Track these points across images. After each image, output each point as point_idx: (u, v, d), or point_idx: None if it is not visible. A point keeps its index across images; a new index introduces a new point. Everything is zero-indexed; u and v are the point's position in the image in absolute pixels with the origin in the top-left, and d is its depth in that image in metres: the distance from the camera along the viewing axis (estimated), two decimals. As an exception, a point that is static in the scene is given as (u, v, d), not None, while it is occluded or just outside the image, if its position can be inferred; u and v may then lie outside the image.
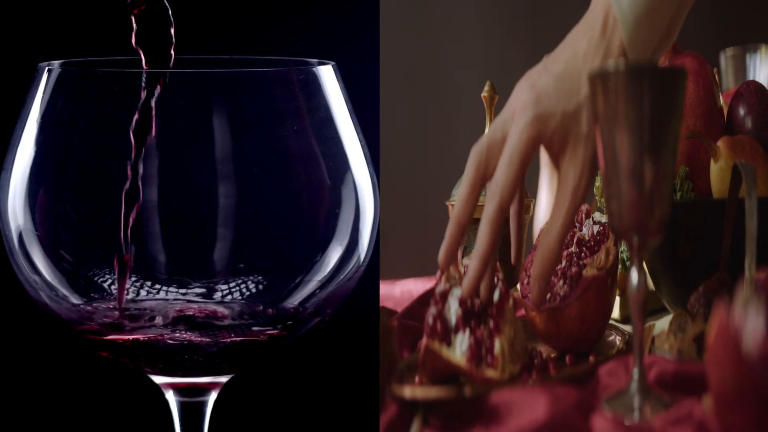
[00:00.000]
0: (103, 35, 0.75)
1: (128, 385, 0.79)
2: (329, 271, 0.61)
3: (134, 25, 0.59)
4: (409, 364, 0.77)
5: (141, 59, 0.60)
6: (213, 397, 0.62)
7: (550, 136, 0.71)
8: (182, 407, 0.62)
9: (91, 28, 0.77)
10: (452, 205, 1.05)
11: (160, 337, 0.59)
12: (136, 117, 0.57)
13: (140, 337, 0.59)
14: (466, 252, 1.04)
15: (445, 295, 0.73)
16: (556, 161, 0.73)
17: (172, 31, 0.59)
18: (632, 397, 0.65)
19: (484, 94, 1.06)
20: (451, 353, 0.70)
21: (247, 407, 0.83)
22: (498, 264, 0.77)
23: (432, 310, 0.72)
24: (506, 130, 0.73)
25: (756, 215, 0.74)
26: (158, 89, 0.57)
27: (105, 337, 0.60)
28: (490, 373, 0.69)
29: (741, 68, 1.14)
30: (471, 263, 0.72)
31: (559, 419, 0.62)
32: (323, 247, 0.60)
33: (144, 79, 0.58)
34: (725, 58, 1.17)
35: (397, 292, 0.98)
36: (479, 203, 1.05)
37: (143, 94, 0.57)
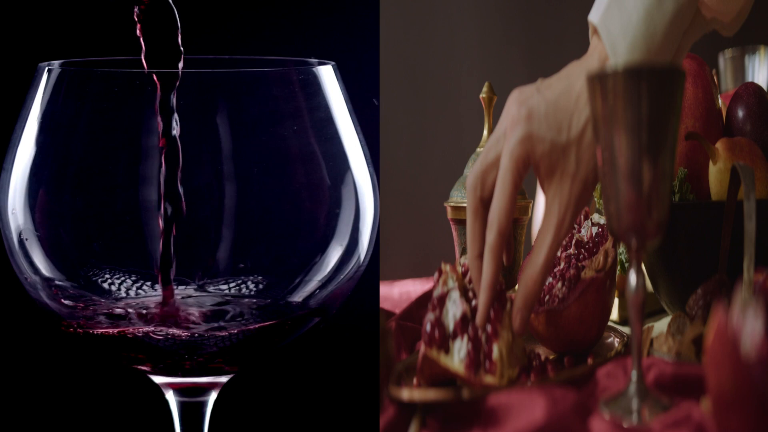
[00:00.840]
0: (103, 35, 0.75)
1: (128, 385, 0.79)
2: (329, 271, 0.61)
3: (137, 23, 0.58)
4: (407, 366, 0.77)
5: (142, 51, 0.59)
6: (213, 397, 0.62)
7: (537, 159, 0.71)
8: (182, 407, 0.62)
9: (91, 28, 0.77)
10: (450, 207, 1.05)
11: (158, 332, 0.59)
12: (162, 143, 0.57)
13: (137, 330, 0.59)
14: (465, 252, 1.04)
15: (442, 300, 0.72)
16: (542, 186, 0.73)
17: (179, 36, 0.59)
18: (631, 400, 0.65)
19: (482, 95, 1.06)
20: (449, 361, 0.70)
21: (247, 407, 0.83)
22: None
23: (429, 317, 0.71)
24: (499, 149, 0.73)
25: (754, 217, 0.74)
26: (173, 97, 0.57)
27: (110, 331, 0.59)
28: (489, 379, 0.69)
29: (740, 69, 1.14)
30: (480, 296, 0.72)
31: (557, 421, 0.62)
32: (323, 247, 0.60)
33: (159, 84, 0.57)
34: (724, 60, 1.17)
35: (396, 293, 0.98)
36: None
37: (159, 120, 0.57)
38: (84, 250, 0.59)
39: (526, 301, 0.72)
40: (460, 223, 1.05)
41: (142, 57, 0.59)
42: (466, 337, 0.70)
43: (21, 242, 0.60)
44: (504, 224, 0.72)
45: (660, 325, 0.87)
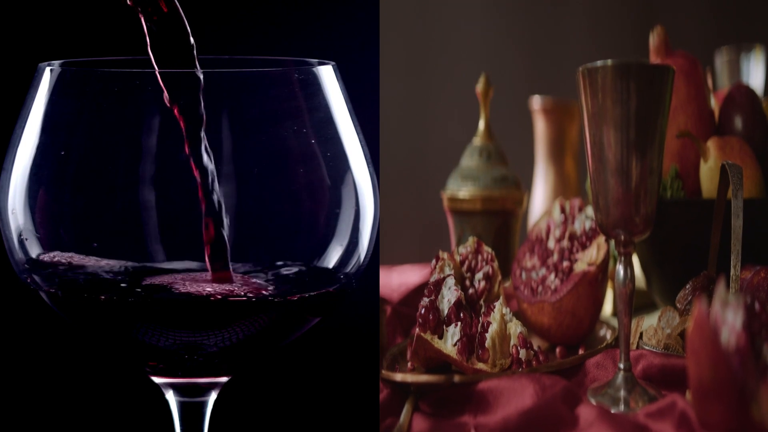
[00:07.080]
0: (103, 35, 0.75)
1: (128, 385, 0.79)
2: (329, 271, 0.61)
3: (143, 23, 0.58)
4: (402, 349, 0.78)
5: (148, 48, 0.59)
6: (213, 397, 0.62)
7: None
8: (182, 407, 0.62)
9: (91, 28, 0.77)
10: (446, 197, 1.06)
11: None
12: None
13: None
14: (461, 242, 1.04)
15: (438, 285, 0.74)
16: None
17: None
18: (618, 389, 0.66)
19: (478, 87, 1.06)
20: (443, 345, 0.71)
21: (247, 407, 0.83)
22: (492, 254, 0.78)
23: (425, 301, 0.73)
24: None
25: (742, 215, 0.75)
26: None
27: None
28: (481, 366, 0.70)
29: (735, 67, 1.15)
30: None
31: (545, 407, 0.63)
32: (323, 247, 0.60)
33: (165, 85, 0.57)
34: (720, 57, 1.17)
35: (395, 282, 0.98)
36: (469, 197, 1.06)
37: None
38: (84, 250, 0.59)
39: None
40: (456, 212, 1.05)
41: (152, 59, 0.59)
42: (460, 324, 0.71)
43: (21, 242, 0.60)
44: None
45: (651, 319, 0.88)
